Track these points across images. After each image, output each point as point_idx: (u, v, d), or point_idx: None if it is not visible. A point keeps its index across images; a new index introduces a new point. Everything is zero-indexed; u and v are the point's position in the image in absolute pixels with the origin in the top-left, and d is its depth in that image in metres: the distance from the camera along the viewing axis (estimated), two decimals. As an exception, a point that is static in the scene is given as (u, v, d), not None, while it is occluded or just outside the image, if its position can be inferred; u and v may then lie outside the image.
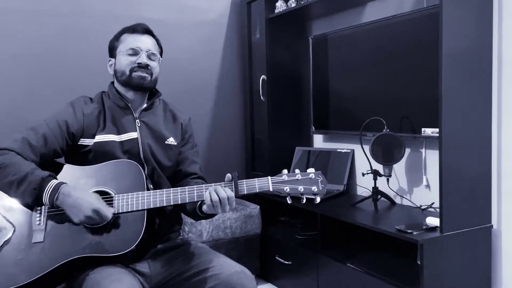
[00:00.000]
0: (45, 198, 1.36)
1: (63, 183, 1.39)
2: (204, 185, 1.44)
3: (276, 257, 2.55)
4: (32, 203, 1.39)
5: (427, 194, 2.24)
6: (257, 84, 2.91)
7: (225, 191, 1.39)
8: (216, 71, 3.01)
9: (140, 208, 1.41)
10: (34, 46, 2.48)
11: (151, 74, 1.60)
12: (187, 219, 2.40)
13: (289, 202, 1.45)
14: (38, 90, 2.49)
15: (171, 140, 1.65)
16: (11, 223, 1.40)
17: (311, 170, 1.46)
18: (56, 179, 1.40)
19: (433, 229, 1.85)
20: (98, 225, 1.39)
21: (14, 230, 1.39)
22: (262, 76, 2.84)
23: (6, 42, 2.42)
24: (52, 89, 2.51)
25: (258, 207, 2.69)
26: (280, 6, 2.75)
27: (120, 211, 1.41)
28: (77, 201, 1.36)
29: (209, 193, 1.39)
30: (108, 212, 1.38)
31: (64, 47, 2.55)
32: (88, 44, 2.58)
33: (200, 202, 1.48)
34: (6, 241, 1.38)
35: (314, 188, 1.44)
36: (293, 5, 2.66)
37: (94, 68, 2.45)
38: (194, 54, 2.91)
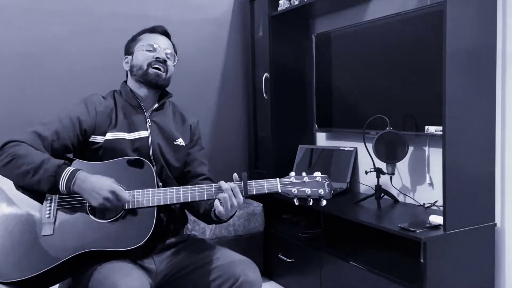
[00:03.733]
0: (62, 184, 1.38)
1: (79, 169, 1.41)
2: (214, 184, 1.46)
3: (279, 255, 2.55)
4: (48, 190, 1.40)
5: (430, 192, 2.24)
6: (260, 82, 2.91)
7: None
8: (219, 69, 3.01)
9: (150, 205, 1.43)
10: (39, 45, 2.49)
11: (167, 71, 1.63)
12: (190, 217, 2.40)
13: (296, 203, 1.48)
14: (44, 89, 2.50)
15: (180, 141, 1.67)
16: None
17: (317, 173, 1.49)
18: (71, 166, 1.42)
19: (436, 227, 1.85)
20: (110, 218, 1.40)
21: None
22: (265, 74, 2.84)
23: (12, 41, 2.43)
24: (57, 87, 2.52)
25: (261, 205, 2.70)
26: (283, 4, 2.74)
27: (130, 207, 1.42)
28: (94, 184, 1.37)
29: (221, 182, 1.44)
30: (126, 194, 1.40)
31: (68, 45, 2.55)
32: (93, 42, 2.58)
33: (213, 208, 1.50)
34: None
35: (321, 191, 1.47)
36: (296, 2, 2.66)
37: (99, 66, 2.46)
38: (197, 51, 2.91)
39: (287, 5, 2.71)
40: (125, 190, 1.44)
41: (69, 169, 1.39)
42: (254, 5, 2.97)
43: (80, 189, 1.38)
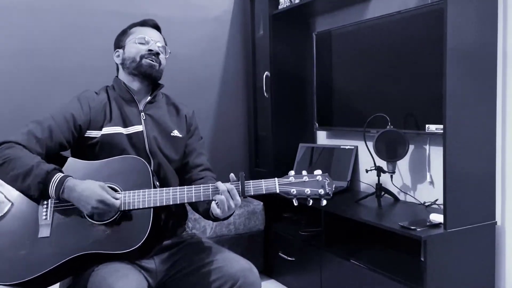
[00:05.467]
0: (51, 191, 1.36)
1: (68, 176, 1.39)
2: (210, 184, 1.43)
3: (280, 254, 2.55)
4: (38, 197, 1.39)
5: (430, 191, 2.24)
6: (260, 80, 2.91)
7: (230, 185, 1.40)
8: (220, 67, 3.01)
9: (146, 206, 1.41)
10: (38, 43, 2.49)
11: (160, 64, 1.62)
12: (191, 215, 2.41)
13: (295, 204, 1.43)
14: (42, 86, 2.50)
15: (176, 133, 1.65)
16: (8, 199, 1.41)
17: (318, 172, 1.44)
18: (62, 172, 1.40)
19: (436, 225, 1.85)
20: (107, 220, 1.39)
21: (12, 204, 1.40)
22: (266, 73, 2.84)
23: (10, 39, 2.43)
24: (56, 85, 2.52)
25: (262, 203, 2.70)
26: (283, 2, 2.74)
27: (126, 209, 1.40)
28: (83, 193, 1.35)
29: (218, 183, 1.40)
30: (114, 200, 1.37)
31: (68, 44, 2.55)
32: (93, 41, 2.58)
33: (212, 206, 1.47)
34: (2, 215, 1.39)
35: (321, 191, 1.42)
36: (297, 1, 2.66)
37: (98, 65, 2.45)
38: (197, 50, 2.91)
39: (288, 4, 2.71)
40: (121, 191, 1.42)
41: (58, 176, 1.37)
42: (254, 3, 2.97)
43: (69, 197, 1.36)
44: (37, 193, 1.37)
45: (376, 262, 2.03)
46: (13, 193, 1.42)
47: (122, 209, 1.40)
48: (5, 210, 1.40)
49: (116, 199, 1.38)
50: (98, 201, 1.35)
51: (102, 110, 1.56)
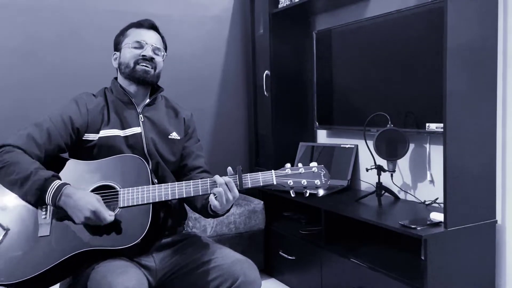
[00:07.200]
0: (48, 199, 1.36)
1: (66, 184, 1.39)
2: (208, 179, 1.45)
3: (280, 252, 2.55)
4: (35, 203, 1.39)
5: (431, 190, 2.24)
6: (260, 79, 2.91)
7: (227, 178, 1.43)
8: (220, 66, 3.01)
9: (145, 202, 1.42)
10: (37, 43, 2.49)
11: (155, 68, 1.61)
12: (191, 214, 2.41)
13: (292, 195, 1.47)
14: (41, 86, 2.50)
15: (174, 135, 1.66)
16: (2, 226, 1.40)
17: (313, 164, 1.48)
18: (60, 179, 1.40)
19: (437, 224, 1.85)
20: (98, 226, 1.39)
21: (5, 233, 1.39)
22: (266, 72, 2.84)
23: (9, 39, 2.43)
24: (55, 85, 2.52)
25: (262, 202, 2.69)
26: (283, 1, 2.74)
27: (125, 205, 1.42)
28: (77, 202, 1.35)
29: (216, 177, 1.42)
30: (107, 214, 1.37)
31: (67, 43, 2.56)
32: (91, 40, 2.58)
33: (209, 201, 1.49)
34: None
35: (317, 182, 1.46)
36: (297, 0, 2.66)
37: (97, 64, 2.46)
38: (197, 49, 2.91)
39: (288, 2, 2.71)
40: (120, 188, 1.43)
41: (56, 184, 1.37)
42: (254, 2, 2.97)
43: (65, 204, 1.36)
44: (33, 199, 1.37)
45: (377, 261, 2.03)
46: (12, 217, 1.41)
47: (121, 205, 1.41)
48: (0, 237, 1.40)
49: (110, 215, 1.37)
50: (91, 211, 1.34)
51: (99, 113, 1.56)
